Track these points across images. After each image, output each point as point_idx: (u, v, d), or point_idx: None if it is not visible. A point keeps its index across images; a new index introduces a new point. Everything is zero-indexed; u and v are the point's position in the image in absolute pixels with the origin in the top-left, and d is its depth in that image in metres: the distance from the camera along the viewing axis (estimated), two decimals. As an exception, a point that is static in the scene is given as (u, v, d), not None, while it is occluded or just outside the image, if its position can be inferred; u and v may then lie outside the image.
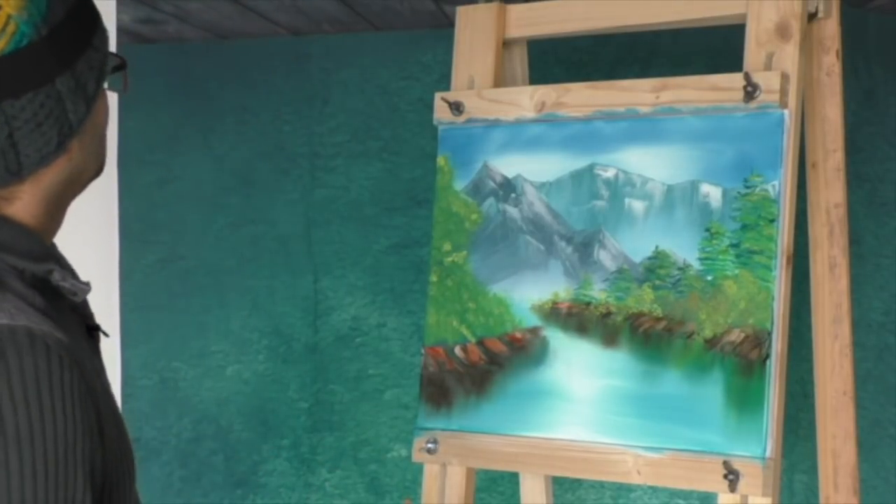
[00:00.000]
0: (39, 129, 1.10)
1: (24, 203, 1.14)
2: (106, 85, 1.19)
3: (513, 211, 1.82)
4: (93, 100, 1.14)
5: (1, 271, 1.09)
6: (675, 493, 2.30)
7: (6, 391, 0.97)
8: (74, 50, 1.12)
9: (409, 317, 2.42)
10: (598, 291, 1.74)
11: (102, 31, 1.17)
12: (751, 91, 1.63)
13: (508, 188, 1.82)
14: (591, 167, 1.77)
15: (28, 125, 1.09)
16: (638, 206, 1.73)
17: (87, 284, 1.17)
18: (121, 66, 1.20)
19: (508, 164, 1.83)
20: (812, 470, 1.80)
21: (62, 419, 0.99)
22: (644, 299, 1.71)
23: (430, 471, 1.84)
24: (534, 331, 1.78)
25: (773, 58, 1.64)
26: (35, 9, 1.09)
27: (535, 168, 1.81)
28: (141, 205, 2.58)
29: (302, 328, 2.50)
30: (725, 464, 1.59)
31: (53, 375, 1.00)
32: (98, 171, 1.22)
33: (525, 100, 1.81)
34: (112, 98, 1.27)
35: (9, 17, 1.07)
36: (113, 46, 1.25)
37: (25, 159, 1.10)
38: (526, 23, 1.87)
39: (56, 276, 1.13)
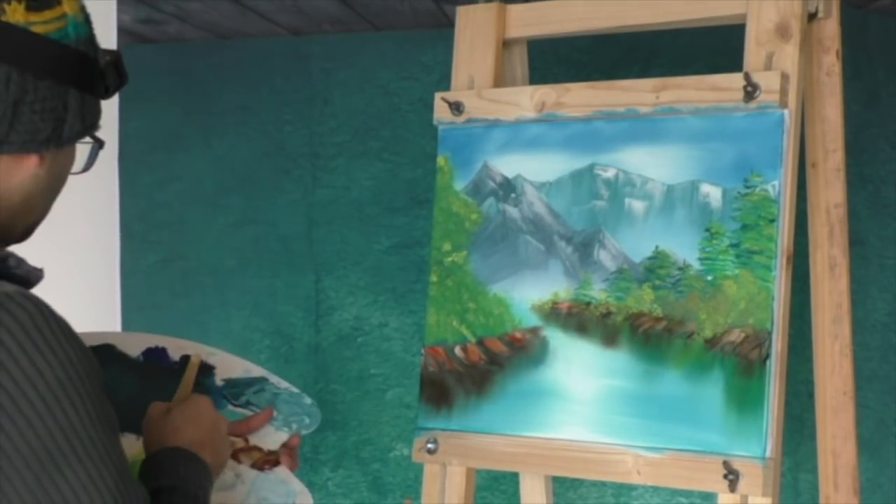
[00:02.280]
0: (41, 115, 1.19)
1: None
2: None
3: (513, 211, 1.82)
4: (86, 130, 1.25)
5: None
6: (676, 491, 2.30)
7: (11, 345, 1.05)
8: (90, 86, 1.24)
9: (411, 316, 2.42)
10: (598, 291, 1.74)
11: (101, 111, 1.28)
12: (751, 91, 1.62)
13: (508, 188, 1.82)
14: (591, 167, 1.77)
15: (33, 106, 1.19)
16: (638, 206, 1.73)
17: (41, 270, 1.23)
18: (101, 144, 1.31)
19: (508, 164, 1.83)
20: (817, 469, 1.79)
21: (64, 357, 1.08)
22: (644, 299, 1.70)
23: (431, 471, 1.84)
24: (534, 331, 1.78)
25: (773, 58, 1.64)
26: (84, 28, 1.23)
27: (535, 168, 1.81)
28: (142, 204, 2.59)
29: (303, 328, 2.50)
30: (725, 464, 1.59)
31: (51, 322, 1.09)
32: (35, 224, 1.29)
33: (525, 100, 1.81)
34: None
35: (65, 13, 1.21)
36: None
37: (15, 134, 1.18)
38: (526, 23, 1.87)
39: (11, 262, 1.19)
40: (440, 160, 1.88)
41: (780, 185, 1.61)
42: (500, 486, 2.38)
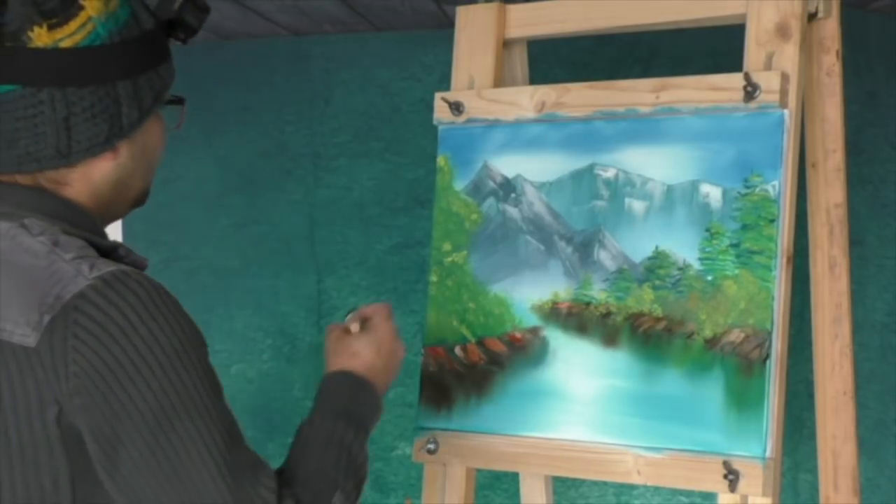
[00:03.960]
0: (93, 120, 1.26)
1: (74, 191, 1.30)
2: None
3: (513, 211, 1.82)
4: (146, 113, 1.31)
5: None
6: (676, 491, 2.30)
7: (127, 321, 1.17)
8: (140, 66, 1.29)
9: (413, 316, 2.42)
10: (598, 291, 1.74)
11: (170, 68, 1.35)
12: (751, 91, 1.62)
13: (508, 188, 1.82)
14: (591, 167, 1.77)
15: (84, 113, 1.26)
16: (638, 206, 1.73)
17: (146, 260, 1.34)
18: (180, 101, 1.39)
19: (508, 164, 1.83)
20: (817, 469, 1.80)
21: (178, 327, 1.21)
22: (644, 299, 1.70)
23: (431, 471, 1.84)
24: (534, 331, 1.78)
25: (773, 58, 1.64)
26: (114, 20, 1.27)
27: (535, 168, 1.81)
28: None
29: (306, 328, 2.51)
30: (725, 464, 1.59)
31: (165, 298, 1.21)
32: (143, 194, 1.39)
33: (525, 100, 1.81)
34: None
35: (89, 17, 1.26)
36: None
37: (76, 144, 1.26)
38: (526, 23, 1.87)
39: (121, 252, 1.30)
40: (440, 160, 1.88)
41: (780, 185, 1.61)
42: (502, 484, 2.38)
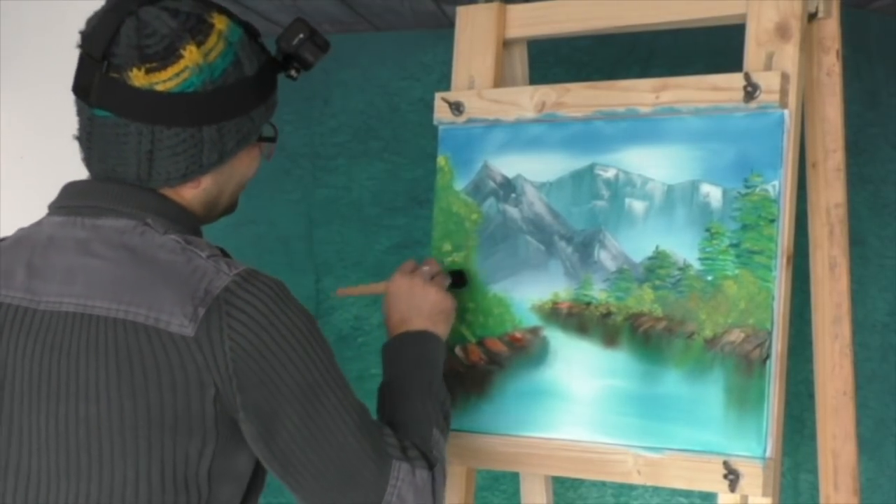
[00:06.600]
0: (174, 158, 1.37)
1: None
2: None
3: (513, 211, 1.82)
4: (227, 155, 1.41)
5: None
6: (676, 491, 2.30)
7: (291, 328, 1.34)
8: (229, 113, 1.39)
9: (412, 316, 2.42)
10: (599, 291, 1.74)
11: (267, 107, 1.45)
12: (751, 91, 1.62)
13: (508, 188, 1.82)
14: (591, 167, 1.77)
15: (167, 150, 1.36)
16: (638, 206, 1.73)
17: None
18: (271, 140, 1.50)
19: (508, 164, 1.83)
20: (817, 469, 1.80)
21: (305, 316, 1.38)
22: (644, 299, 1.70)
23: (431, 471, 1.84)
24: (534, 331, 1.78)
25: (773, 58, 1.64)
26: (209, 71, 1.36)
27: (535, 168, 1.81)
28: (143, 205, 2.58)
29: (304, 328, 2.50)
30: (725, 464, 1.59)
31: (288, 290, 1.38)
32: (229, 208, 1.53)
33: (525, 100, 1.81)
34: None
35: (185, 67, 1.34)
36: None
37: (156, 175, 1.37)
38: (526, 23, 1.87)
39: (228, 255, 1.42)
40: (440, 160, 1.88)
41: (780, 185, 1.61)
42: (501, 485, 2.38)
